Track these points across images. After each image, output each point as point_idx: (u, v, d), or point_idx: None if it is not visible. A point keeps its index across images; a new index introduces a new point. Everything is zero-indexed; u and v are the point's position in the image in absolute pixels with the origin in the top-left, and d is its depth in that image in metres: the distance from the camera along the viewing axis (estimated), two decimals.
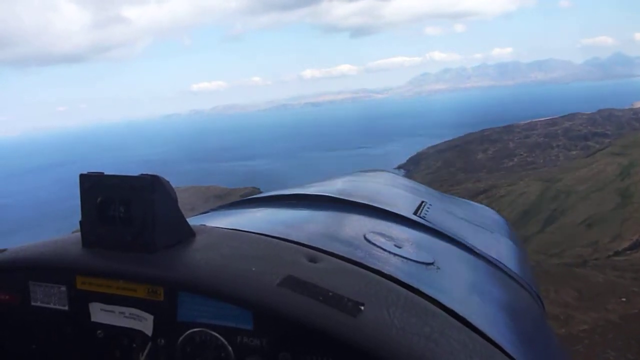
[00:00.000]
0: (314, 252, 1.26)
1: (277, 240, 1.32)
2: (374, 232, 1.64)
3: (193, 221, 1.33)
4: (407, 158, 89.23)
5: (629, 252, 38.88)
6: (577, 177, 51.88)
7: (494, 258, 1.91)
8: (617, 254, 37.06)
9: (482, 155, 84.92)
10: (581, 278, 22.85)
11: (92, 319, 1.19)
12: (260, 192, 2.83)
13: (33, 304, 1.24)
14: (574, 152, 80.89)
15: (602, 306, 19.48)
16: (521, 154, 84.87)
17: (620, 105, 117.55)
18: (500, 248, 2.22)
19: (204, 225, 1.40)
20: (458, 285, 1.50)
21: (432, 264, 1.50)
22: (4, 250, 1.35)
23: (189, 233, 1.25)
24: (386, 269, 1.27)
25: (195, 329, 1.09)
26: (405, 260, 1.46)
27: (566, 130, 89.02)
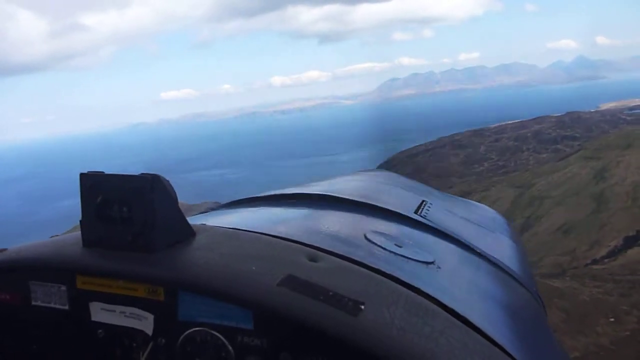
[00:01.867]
0: (314, 251, 1.26)
1: (277, 239, 1.31)
2: (374, 231, 1.64)
3: (193, 221, 1.33)
4: (378, 164, 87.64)
5: (607, 260, 37.66)
6: (550, 182, 50.78)
7: (494, 257, 1.91)
8: (595, 262, 35.73)
9: (453, 160, 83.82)
10: (566, 296, 20.99)
11: (93, 319, 1.19)
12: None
13: (34, 303, 1.24)
14: (545, 156, 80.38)
15: (592, 329, 17.72)
16: (492, 158, 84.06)
17: (587, 107, 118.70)
18: (501, 247, 2.21)
19: (204, 224, 1.39)
20: (458, 285, 1.49)
21: (432, 263, 1.50)
22: (4, 250, 1.36)
23: (189, 233, 1.25)
24: (386, 268, 1.27)
25: (195, 329, 1.09)
26: (405, 259, 1.46)
27: (536, 134, 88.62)
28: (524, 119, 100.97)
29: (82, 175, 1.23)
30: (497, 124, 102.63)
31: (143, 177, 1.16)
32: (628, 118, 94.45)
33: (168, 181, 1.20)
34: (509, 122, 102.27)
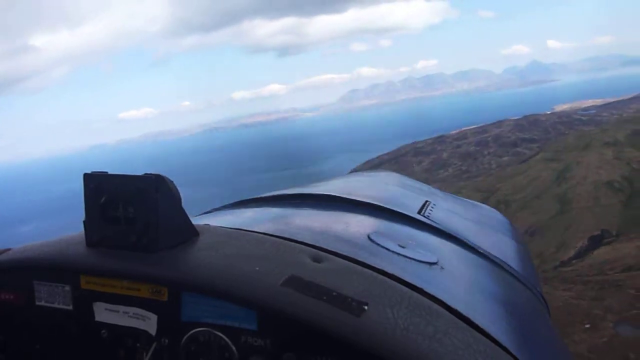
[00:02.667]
0: (317, 252, 1.26)
1: (280, 240, 1.31)
2: (377, 232, 1.64)
3: (197, 221, 1.33)
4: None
5: (574, 261, 37.92)
6: (514, 186, 51.27)
7: (497, 258, 1.91)
8: (563, 264, 35.95)
9: (417, 167, 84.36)
10: None
11: (96, 319, 1.19)
12: None
13: (37, 303, 1.25)
14: (506, 159, 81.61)
15: (568, 337, 17.34)
16: (455, 164, 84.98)
17: (543, 110, 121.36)
18: (504, 248, 2.20)
19: (208, 225, 1.39)
20: (462, 285, 1.49)
21: (436, 263, 1.50)
22: (9, 250, 1.36)
23: (193, 233, 1.26)
24: (390, 269, 1.27)
25: (199, 329, 1.09)
26: (409, 260, 1.46)
27: (496, 138, 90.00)
28: (484, 124, 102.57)
29: (85, 175, 1.23)
30: (458, 130, 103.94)
31: (147, 177, 1.16)
32: (583, 118, 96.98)
33: (172, 181, 1.20)
34: (469, 127, 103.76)
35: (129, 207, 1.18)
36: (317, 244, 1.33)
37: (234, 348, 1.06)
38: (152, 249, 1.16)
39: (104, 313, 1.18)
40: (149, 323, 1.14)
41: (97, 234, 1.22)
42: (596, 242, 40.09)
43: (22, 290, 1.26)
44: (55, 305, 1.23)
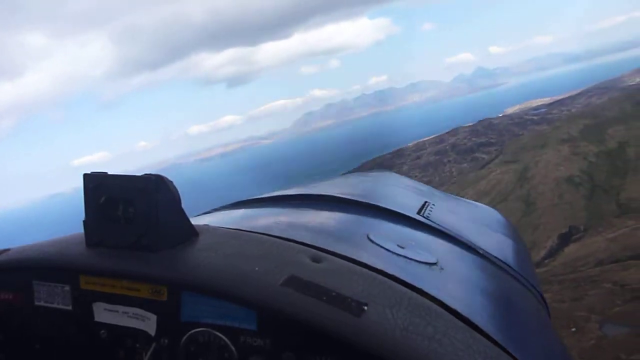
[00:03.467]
0: (317, 252, 1.26)
1: (280, 240, 1.32)
2: (377, 232, 1.64)
3: (196, 221, 1.33)
4: None
5: (547, 260, 37.74)
6: (478, 191, 51.15)
7: (497, 258, 1.91)
8: (537, 265, 35.60)
9: None
10: None
11: (96, 319, 1.20)
12: None
13: (37, 303, 1.25)
14: (465, 165, 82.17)
15: None
16: (416, 175, 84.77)
17: (494, 113, 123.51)
18: (504, 248, 2.19)
19: (207, 225, 1.40)
20: (461, 286, 1.50)
21: (435, 264, 1.51)
22: (8, 250, 1.36)
23: (192, 233, 1.26)
24: (389, 269, 1.27)
25: (198, 329, 1.09)
26: (408, 260, 1.47)
27: (453, 145, 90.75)
28: (440, 133, 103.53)
29: (85, 175, 1.24)
30: (415, 142, 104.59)
31: (147, 177, 1.17)
32: (534, 118, 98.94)
33: (172, 182, 1.21)
34: (426, 138, 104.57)
35: (129, 207, 1.18)
36: (317, 244, 1.33)
37: (233, 348, 1.06)
38: (151, 249, 1.16)
39: (103, 313, 1.19)
40: (148, 323, 1.15)
41: (97, 234, 1.22)
42: (566, 239, 40.07)
43: (21, 290, 1.26)
44: (55, 306, 1.23)
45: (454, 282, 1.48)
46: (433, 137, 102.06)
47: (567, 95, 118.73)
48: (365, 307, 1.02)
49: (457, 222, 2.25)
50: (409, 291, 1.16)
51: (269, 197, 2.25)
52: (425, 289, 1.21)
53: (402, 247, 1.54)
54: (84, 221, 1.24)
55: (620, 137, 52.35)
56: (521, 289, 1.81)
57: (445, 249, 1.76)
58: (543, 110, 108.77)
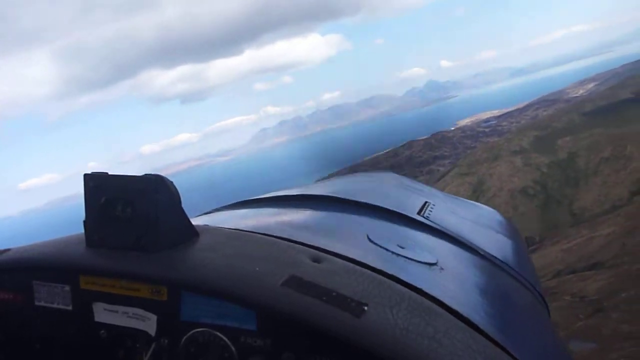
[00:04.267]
0: (317, 252, 1.26)
1: (280, 240, 1.32)
2: (377, 233, 1.65)
3: (196, 221, 1.34)
4: None
5: None
6: None
7: (497, 259, 1.92)
8: None
9: None
10: None
11: (96, 319, 1.20)
12: None
13: (37, 303, 1.25)
14: (421, 178, 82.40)
15: None
16: None
17: (447, 126, 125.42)
18: (504, 249, 2.21)
19: (208, 225, 1.40)
20: (462, 286, 1.50)
21: (435, 264, 1.51)
22: (8, 250, 1.36)
23: (193, 233, 1.26)
24: (390, 269, 1.27)
25: (198, 329, 1.09)
26: (408, 260, 1.47)
27: (408, 159, 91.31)
28: (394, 147, 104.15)
29: (85, 175, 1.24)
30: (371, 157, 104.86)
31: (147, 177, 1.18)
32: (486, 130, 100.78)
33: (172, 182, 1.21)
34: (381, 152, 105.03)
35: (129, 207, 1.18)
36: (317, 245, 1.32)
37: (233, 348, 1.06)
38: (152, 249, 1.17)
39: (103, 313, 1.19)
40: (148, 323, 1.15)
41: (97, 234, 1.22)
42: None
43: (21, 290, 1.26)
44: (55, 306, 1.23)
45: (454, 282, 1.48)
46: (388, 151, 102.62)
47: (515, 107, 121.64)
48: (366, 308, 1.02)
49: (457, 222, 2.26)
50: (409, 291, 1.16)
51: (269, 197, 2.26)
52: (426, 289, 1.21)
53: (403, 248, 1.54)
54: (84, 221, 1.24)
55: (570, 147, 53.46)
56: (521, 289, 1.82)
57: (445, 249, 1.76)
58: (493, 122, 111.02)
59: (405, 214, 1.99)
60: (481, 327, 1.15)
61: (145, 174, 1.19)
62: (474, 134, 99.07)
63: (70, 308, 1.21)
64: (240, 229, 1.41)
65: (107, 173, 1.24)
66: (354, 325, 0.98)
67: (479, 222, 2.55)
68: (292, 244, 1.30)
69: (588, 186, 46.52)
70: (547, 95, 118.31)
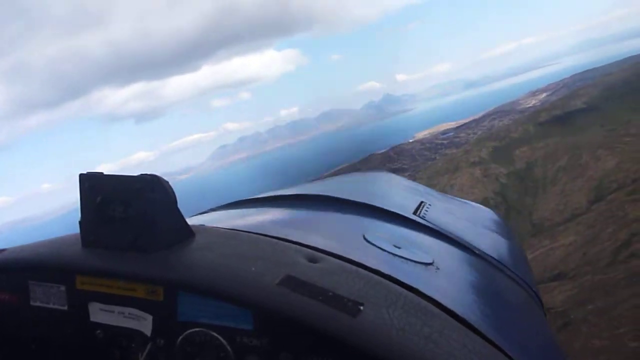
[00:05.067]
0: (313, 252, 1.26)
1: (276, 240, 1.31)
2: (373, 232, 1.64)
3: (192, 221, 1.33)
4: None
5: None
6: None
7: (493, 258, 1.92)
8: None
9: None
10: None
11: (92, 319, 1.19)
12: None
13: (32, 303, 1.25)
14: None
15: None
16: None
17: (405, 138, 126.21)
18: (499, 248, 2.22)
19: (203, 225, 1.40)
20: (457, 286, 1.50)
21: (431, 264, 1.50)
22: (4, 250, 1.36)
23: (189, 233, 1.25)
24: (386, 269, 1.27)
25: (194, 329, 1.09)
26: (404, 260, 1.47)
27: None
28: (354, 161, 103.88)
29: (81, 175, 1.23)
30: (330, 171, 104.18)
31: (143, 177, 1.17)
32: (444, 142, 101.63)
33: (167, 182, 1.20)
34: (341, 166, 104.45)
35: (125, 207, 1.18)
36: (313, 244, 1.32)
37: (229, 348, 1.06)
38: (147, 249, 1.16)
39: (99, 313, 1.18)
40: (144, 323, 1.14)
41: (93, 234, 1.22)
42: None
43: (17, 290, 1.26)
44: (51, 306, 1.23)
45: (450, 282, 1.48)
46: (347, 166, 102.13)
47: (471, 119, 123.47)
48: (362, 307, 1.01)
49: (453, 222, 2.25)
50: (405, 291, 1.16)
51: (265, 197, 2.24)
52: (422, 289, 1.21)
53: (398, 247, 1.53)
54: (79, 221, 1.23)
55: (527, 157, 53.86)
56: (517, 288, 1.82)
57: (441, 249, 1.76)
58: (451, 134, 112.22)
59: (401, 213, 1.98)
60: (477, 326, 1.14)
61: (141, 174, 1.17)
62: (433, 146, 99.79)
63: (66, 308, 1.21)
64: (236, 228, 1.40)
65: (102, 173, 1.22)
66: (350, 325, 0.97)
67: (474, 221, 2.53)
68: (288, 243, 1.29)
69: (547, 195, 46.77)
70: (501, 106, 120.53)
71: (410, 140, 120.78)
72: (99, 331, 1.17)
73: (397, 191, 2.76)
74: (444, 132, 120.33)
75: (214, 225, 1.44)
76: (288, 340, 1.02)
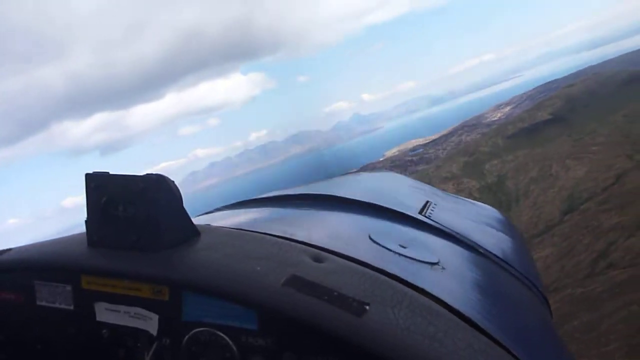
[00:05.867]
0: (318, 251, 1.26)
1: (281, 239, 1.31)
2: (378, 232, 1.64)
3: (198, 221, 1.34)
4: None
5: None
6: None
7: (498, 258, 1.93)
8: None
9: None
10: None
11: (97, 319, 1.20)
12: None
13: (38, 303, 1.25)
14: None
15: None
16: None
17: (376, 157, 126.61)
18: (505, 248, 2.21)
19: (209, 225, 1.40)
20: (463, 285, 1.50)
21: (437, 263, 1.51)
22: (9, 250, 1.36)
23: (194, 232, 1.26)
24: (391, 269, 1.28)
25: (200, 329, 1.09)
26: (410, 260, 1.47)
27: None
28: None
29: (87, 175, 1.24)
30: None
31: (148, 177, 1.17)
32: (414, 159, 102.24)
33: (173, 182, 1.21)
34: None
35: (131, 207, 1.18)
36: (318, 244, 1.32)
37: (234, 348, 1.06)
38: (153, 249, 1.16)
39: (104, 313, 1.19)
40: (150, 323, 1.15)
41: (98, 234, 1.22)
42: None
43: (22, 290, 1.27)
44: (56, 305, 1.23)
45: (456, 281, 1.48)
46: None
47: (439, 134, 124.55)
48: (367, 307, 1.02)
49: (458, 221, 2.25)
50: (410, 291, 1.16)
51: (270, 197, 2.25)
52: (427, 289, 1.21)
53: (404, 247, 1.53)
54: (85, 221, 1.24)
55: (498, 171, 54.20)
56: (523, 288, 1.82)
57: (446, 249, 1.76)
58: (420, 150, 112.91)
59: (407, 213, 1.99)
60: (483, 326, 1.15)
61: (147, 174, 1.18)
62: (402, 163, 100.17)
63: (71, 308, 1.22)
64: (242, 228, 1.39)
65: (108, 173, 1.23)
66: (356, 324, 0.98)
67: (480, 221, 2.52)
68: (293, 243, 1.30)
69: (520, 208, 46.85)
70: (468, 121, 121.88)
71: (381, 159, 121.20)
72: (104, 331, 1.18)
73: (402, 191, 2.73)
74: (413, 149, 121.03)
75: (219, 225, 1.43)
76: (293, 340, 1.02)
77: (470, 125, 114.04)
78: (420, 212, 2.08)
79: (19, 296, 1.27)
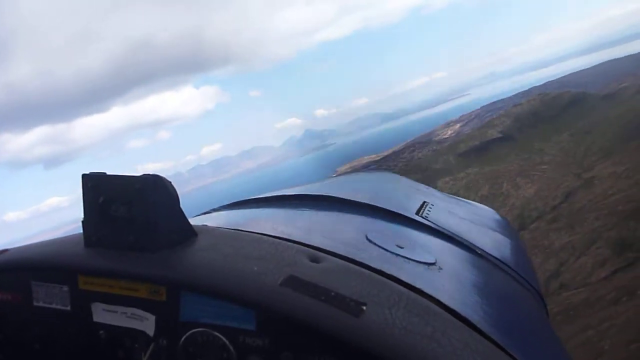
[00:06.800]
0: (316, 252, 1.26)
1: (279, 240, 1.31)
2: (375, 232, 1.64)
3: (195, 221, 1.34)
4: None
5: None
6: None
7: (496, 258, 1.93)
8: None
9: None
10: None
11: (94, 319, 1.19)
12: None
13: (35, 304, 1.25)
14: None
15: None
16: None
17: (328, 173, 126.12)
18: (502, 248, 2.22)
19: (206, 225, 1.40)
20: (460, 286, 1.50)
21: (434, 264, 1.51)
22: (6, 250, 1.36)
23: (191, 233, 1.26)
24: (388, 269, 1.28)
25: (197, 329, 1.09)
26: (407, 260, 1.47)
27: None
28: None
29: (84, 175, 1.24)
30: None
31: (145, 177, 1.17)
32: None
33: (170, 182, 1.20)
34: None
35: (127, 207, 1.18)
36: (315, 244, 1.33)
37: (232, 348, 1.06)
38: (150, 249, 1.16)
39: (102, 313, 1.18)
40: (147, 323, 1.14)
41: (95, 234, 1.22)
42: None
43: (20, 290, 1.26)
44: (53, 306, 1.23)
45: (453, 281, 1.48)
46: None
47: (391, 151, 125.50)
48: (364, 307, 1.02)
49: (455, 222, 2.25)
50: (407, 291, 1.16)
51: (267, 197, 2.24)
52: (424, 289, 1.22)
53: (401, 247, 1.54)
54: (82, 221, 1.24)
55: (450, 187, 54.42)
56: (520, 288, 1.82)
57: (443, 249, 1.76)
58: (373, 167, 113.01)
59: (404, 213, 1.99)
60: (479, 326, 1.15)
61: (144, 174, 1.18)
62: None
63: (69, 308, 1.21)
64: (239, 228, 1.40)
65: (105, 173, 1.23)
66: (353, 324, 0.98)
67: (477, 221, 2.51)
68: (290, 243, 1.29)
69: None
70: (419, 138, 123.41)
71: (333, 175, 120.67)
72: (102, 331, 1.18)
73: (399, 191, 2.73)
74: (366, 166, 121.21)
75: (217, 226, 1.43)
76: (291, 340, 1.02)
77: (421, 142, 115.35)
78: (417, 213, 2.07)
79: (16, 297, 1.26)
